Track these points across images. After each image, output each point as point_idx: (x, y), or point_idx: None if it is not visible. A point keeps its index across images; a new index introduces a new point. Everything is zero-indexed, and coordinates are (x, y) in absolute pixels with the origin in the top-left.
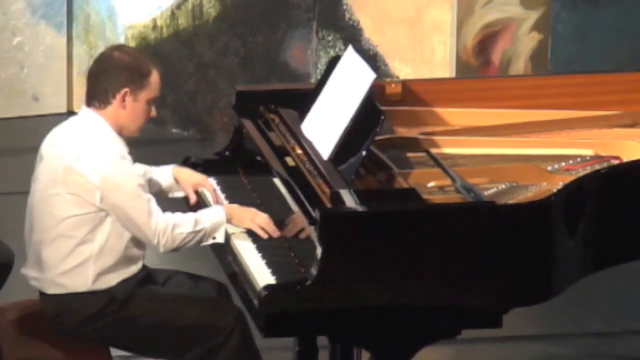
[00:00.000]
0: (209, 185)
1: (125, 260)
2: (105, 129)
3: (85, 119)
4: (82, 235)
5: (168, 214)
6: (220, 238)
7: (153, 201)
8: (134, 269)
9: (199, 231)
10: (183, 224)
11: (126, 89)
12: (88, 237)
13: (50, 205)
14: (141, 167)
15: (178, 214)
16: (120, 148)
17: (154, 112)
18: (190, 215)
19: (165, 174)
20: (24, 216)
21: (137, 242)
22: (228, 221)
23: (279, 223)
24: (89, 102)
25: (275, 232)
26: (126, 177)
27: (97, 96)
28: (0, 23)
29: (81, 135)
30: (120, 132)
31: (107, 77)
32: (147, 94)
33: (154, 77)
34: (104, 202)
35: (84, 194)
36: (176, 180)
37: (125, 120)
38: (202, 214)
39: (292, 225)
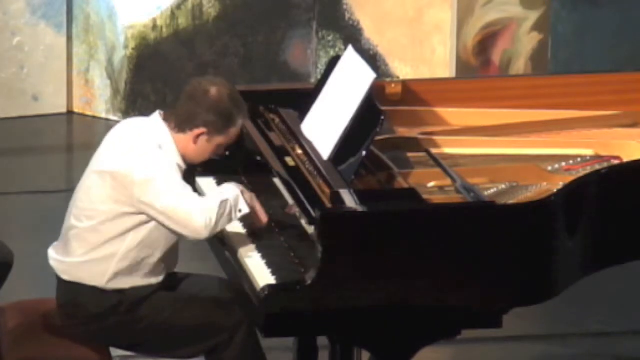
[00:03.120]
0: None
1: (148, 271)
2: (170, 151)
3: (155, 131)
4: (113, 233)
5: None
6: (245, 209)
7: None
8: (152, 281)
9: (225, 200)
10: (209, 198)
11: (204, 130)
12: (119, 236)
13: (91, 192)
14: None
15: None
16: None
17: (221, 152)
18: (210, 193)
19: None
20: (24, 216)
21: (168, 258)
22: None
23: (279, 223)
24: (167, 115)
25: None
26: (169, 178)
27: (175, 118)
28: (0, 23)
29: (143, 145)
30: (182, 157)
31: (193, 111)
32: (222, 140)
33: (237, 127)
34: (145, 198)
35: (122, 191)
36: None
37: (191, 153)
38: (218, 189)
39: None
